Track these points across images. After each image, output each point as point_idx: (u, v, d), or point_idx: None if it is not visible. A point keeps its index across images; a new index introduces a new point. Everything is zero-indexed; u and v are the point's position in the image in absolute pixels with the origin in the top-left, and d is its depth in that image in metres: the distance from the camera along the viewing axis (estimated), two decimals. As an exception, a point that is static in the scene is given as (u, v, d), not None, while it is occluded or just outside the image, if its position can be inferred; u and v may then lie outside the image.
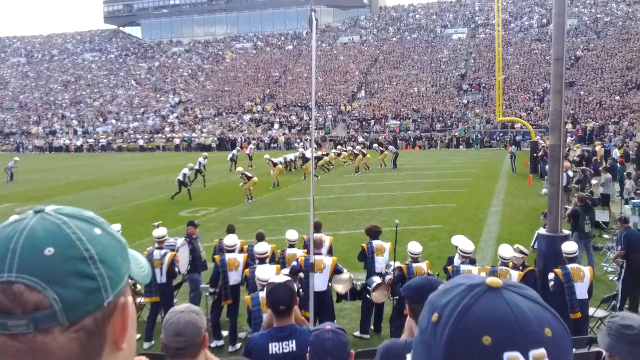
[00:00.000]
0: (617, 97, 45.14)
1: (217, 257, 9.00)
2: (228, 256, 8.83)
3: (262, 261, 8.39)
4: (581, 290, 7.67)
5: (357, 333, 9.05)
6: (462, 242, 8.40)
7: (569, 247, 8.07)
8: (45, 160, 42.74)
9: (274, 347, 3.68)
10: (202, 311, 2.50)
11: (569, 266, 7.80)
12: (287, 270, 8.41)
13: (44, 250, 0.84)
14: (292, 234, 9.65)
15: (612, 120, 40.67)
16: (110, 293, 0.88)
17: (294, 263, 8.61)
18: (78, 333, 0.84)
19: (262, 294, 7.07)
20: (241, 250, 9.42)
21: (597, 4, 62.30)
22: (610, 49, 53.40)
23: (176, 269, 9.09)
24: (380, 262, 8.94)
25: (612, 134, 35.74)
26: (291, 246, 9.44)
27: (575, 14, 59.41)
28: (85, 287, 0.85)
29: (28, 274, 0.82)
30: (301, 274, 8.23)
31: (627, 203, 16.25)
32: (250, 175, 20.57)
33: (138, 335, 8.85)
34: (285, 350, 3.67)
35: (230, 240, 9.01)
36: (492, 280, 0.86)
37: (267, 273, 7.30)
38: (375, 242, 9.14)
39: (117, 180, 27.95)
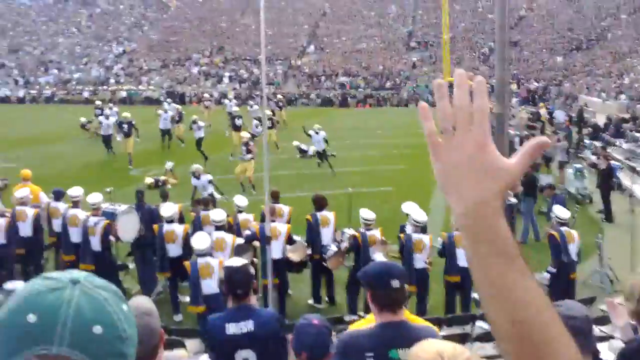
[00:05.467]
0: (560, 58, 46.29)
1: (155, 226, 8.80)
2: (166, 227, 8.60)
3: (218, 229, 8.34)
4: (573, 252, 8.31)
5: (310, 301, 9.19)
6: (414, 211, 8.44)
7: (562, 212, 8.56)
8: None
9: (230, 328, 3.72)
10: (152, 305, 2.43)
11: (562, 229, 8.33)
12: (241, 240, 8.46)
13: (93, 328, 0.87)
14: (241, 200, 9.60)
15: (554, 82, 41.74)
16: None
17: (248, 232, 8.65)
18: None
19: (201, 261, 7.09)
20: (181, 219, 9.23)
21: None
22: (552, 8, 54.32)
23: (112, 238, 8.85)
24: (325, 235, 8.89)
25: (554, 95, 36.77)
26: (239, 212, 9.40)
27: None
28: None
29: (80, 351, 0.85)
30: (256, 242, 8.27)
31: (561, 167, 16.98)
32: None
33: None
34: (242, 331, 3.71)
35: (168, 210, 8.74)
36: None
37: (201, 243, 7.26)
38: (320, 214, 9.02)
39: (63, 135, 27.01)
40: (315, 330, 2.99)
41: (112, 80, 53.61)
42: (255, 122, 21.89)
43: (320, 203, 9.17)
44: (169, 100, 32.74)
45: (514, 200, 10.50)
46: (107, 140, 21.47)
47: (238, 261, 4.11)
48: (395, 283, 2.91)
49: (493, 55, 43.50)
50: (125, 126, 20.46)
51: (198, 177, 12.83)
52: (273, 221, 8.23)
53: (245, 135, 17.14)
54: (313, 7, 64.30)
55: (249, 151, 15.75)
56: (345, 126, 30.94)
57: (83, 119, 26.42)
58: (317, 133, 19.07)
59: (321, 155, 19.22)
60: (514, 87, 38.55)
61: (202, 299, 7.20)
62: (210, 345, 3.87)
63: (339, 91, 47.56)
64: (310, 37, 58.40)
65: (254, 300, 3.93)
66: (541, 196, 12.94)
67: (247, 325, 3.71)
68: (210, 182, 12.76)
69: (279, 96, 34.49)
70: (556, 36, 49.92)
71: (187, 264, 7.55)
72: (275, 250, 8.06)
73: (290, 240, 8.58)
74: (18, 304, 0.88)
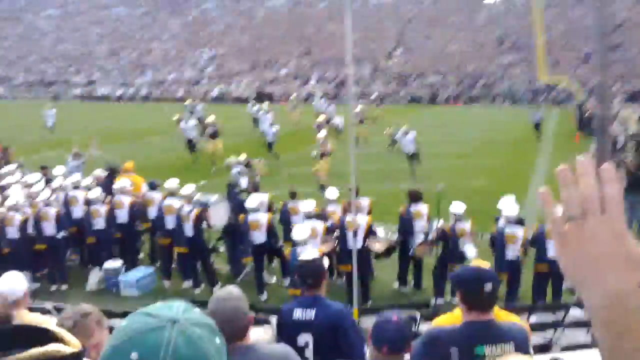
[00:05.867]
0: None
1: (241, 217, 9.39)
2: (251, 217, 9.08)
3: (309, 218, 8.70)
4: None
5: (396, 285, 9.27)
6: (506, 206, 8.48)
7: None
8: (87, 109, 43.55)
9: (297, 313, 4.02)
10: (240, 291, 2.83)
11: None
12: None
13: None
14: (332, 193, 9.85)
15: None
16: None
17: (329, 224, 8.86)
18: None
19: (299, 249, 7.36)
20: (269, 208, 9.86)
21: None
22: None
23: (204, 225, 9.48)
24: (418, 227, 9.01)
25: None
26: (329, 203, 9.76)
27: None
28: None
29: None
30: (337, 232, 8.63)
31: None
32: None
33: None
34: (305, 318, 3.98)
35: (253, 201, 9.19)
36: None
37: (301, 233, 7.53)
38: (414, 207, 9.17)
39: (159, 130, 28.19)
40: (395, 326, 3.02)
41: (204, 81, 55.57)
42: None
43: (414, 196, 9.33)
44: (253, 101, 32.06)
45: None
46: (190, 143, 20.56)
47: (311, 254, 4.41)
48: (488, 287, 2.96)
49: (592, 56, 41.51)
50: (210, 129, 20.03)
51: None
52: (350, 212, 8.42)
53: (320, 135, 17.02)
54: (398, 14, 63.76)
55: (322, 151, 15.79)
56: (433, 124, 30.37)
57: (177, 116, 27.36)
58: (405, 135, 17.67)
59: (412, 157, 17.59)
60: (617, 86, 36.37)
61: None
62: (278, 326, 4.22)
63: (428, 90, 46.80)
64: (397, 41, 57.91)
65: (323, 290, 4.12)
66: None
67: (310, 313, 3.99)
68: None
69: (376, 93, 34.66)
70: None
71: (287, 252, 8.31)
72: (353, 241, 8.16)
73: (371, 232, 8.64)
74: (122, 342, 0.99)
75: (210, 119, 21.13)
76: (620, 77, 40.23)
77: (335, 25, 61.59)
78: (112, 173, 12.05)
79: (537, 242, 8.13)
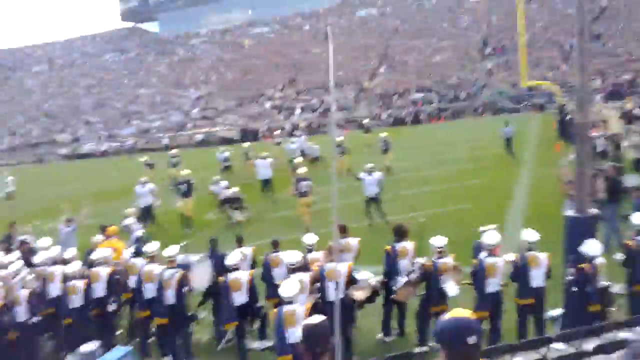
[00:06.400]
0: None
1: (221, 278, 8.66)
2: (231, 276, 8.43)
3: (294, 271, 8.03)
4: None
5: (379, 336, 8.87)
6: (488, 236, 8.20)
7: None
8: (72, 168, 43.32)
9: None
10: None
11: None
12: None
13: None
14: (309, 238, 9.24)
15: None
16: None
17: (311, 273, 8.45)
18: None
19: (286, 308, 6.98)
20: (253, 264, 9.25)
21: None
22: (636, -4, 51.31)
23: (186, 289, 8.81)
24: (402, 266, 8.59)
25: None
26: (309, 251, 9.05)
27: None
28: None
29: None
30: (317, 284, 8.08)
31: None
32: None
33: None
34: None
35: (232, 258, 8.65)
36: None
37: (290, 289, 7.08)
38: (399, 245, 8.71)
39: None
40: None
41: (189, 125, 55.62)
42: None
43: (400, 232, 8.86)
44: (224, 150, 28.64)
45: (596, 211, 9.71)
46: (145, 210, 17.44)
47: (317, 318, 4.05)
48: (472, 339, 2.84)
49: (574, 50, 41.58)
50: (184, 186, 17.64)
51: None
52: (332, 261, 7.97)
53: (299, 171, 16.15)
54: (384, 26, 64.26)
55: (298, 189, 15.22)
56: (416, 145, 30.31)
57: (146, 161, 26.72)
58: (370, 174, 15.20)
59: (370, 202, 15.10)
60: (597, 82, 36.49)
61: (288, 347, 7.02)
62: None
63: (412, 109, 46.91)
64: (381, 57, 58.24)
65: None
66: (627, 199, 11.94)
67: None
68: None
69: (365, 121, 34.57)
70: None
71: (272, 312, 7.46)
72: (334, 292, 7.75)
73: (352, 280, 8.29)
74: None
75: (185, 172, 18.71)
76: (600, 73, 40.34)
77: (320, 47, 62.22)
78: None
79: (520, 273, 7.83)
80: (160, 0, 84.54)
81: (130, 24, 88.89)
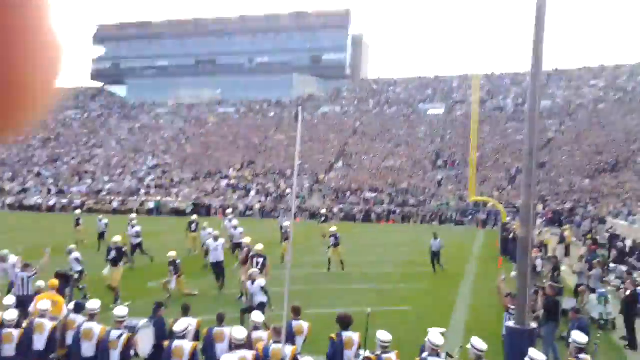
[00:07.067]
0: (587, 181, 46.36)
1: (166, 343, 8.56)
2: (175, 344, 8.34)
3: (237, 347, 7.98)
4: None
5: None
6: (432, 334, 8.42)
7: (580, 338, 8.13)
8: (16, 219, 41.99)
9: None
10: None
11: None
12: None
13: None
14: (257, 316, 9.28)
15: (581, 204, 41.62)
16: None
17: (255, 353, 8.27)
18: None
19: None
20: (197, 336, 9.02)
21: (570, 87, 64.68)
22: (581, 131, 55.19)
23: (132, 352, 8.79)
24: (346, 357, 8.61)
25: (580, 217, 36.45)
26: (256, 329, 8.99)
27: (550, 95, 61.44)
28: None
29: None
30: None
31: (593, 292, 16.47)
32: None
33: None
34: None
35: (181, 325, 8.54)
36: None
37: None
38: (345, 334, 8.72)
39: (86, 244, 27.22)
40: None
41: (142, 191, 55.16)
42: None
43: (345, 322, 8.87)
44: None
45: (534, 325, 10.23)
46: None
47: None
48: None
49: (520, 175, 44.14)
50: (114, 252, 16.40)
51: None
52: (278, 342, 8.07)
53: (257, 247, 16.17)
54: (345, 124, 66.66)
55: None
56: (367, 242, 31.00)
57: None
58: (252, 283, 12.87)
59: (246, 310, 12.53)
60: (539, 207, 38.47)
61: None
62: None
63: (363, 207, 48.09)
64: (339, 154, 60.02)
65: None
66: (563, 321, 12.56)
67: None
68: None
69: (323, 211, 35.03)
70: (584, 158, 50.28)
71: None
72: None
73: None
74: None
75: (116, 239, 17.18)
76: (542, 199, 42.55)
77: (282, 135, 63.60)
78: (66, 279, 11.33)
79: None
80: (132, 67, 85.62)
81: (98, 84, 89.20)
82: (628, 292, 13.97)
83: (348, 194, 51.20)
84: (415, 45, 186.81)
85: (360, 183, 52.65)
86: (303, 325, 9.36)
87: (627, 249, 23.36)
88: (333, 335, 8.74)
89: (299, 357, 8.37)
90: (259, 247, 16.22)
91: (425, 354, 8.34)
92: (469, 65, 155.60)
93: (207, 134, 69.25)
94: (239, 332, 8.19)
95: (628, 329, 13.30)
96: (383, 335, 8.35)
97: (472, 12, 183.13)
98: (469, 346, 8.11)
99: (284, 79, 77.71)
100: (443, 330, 8.75)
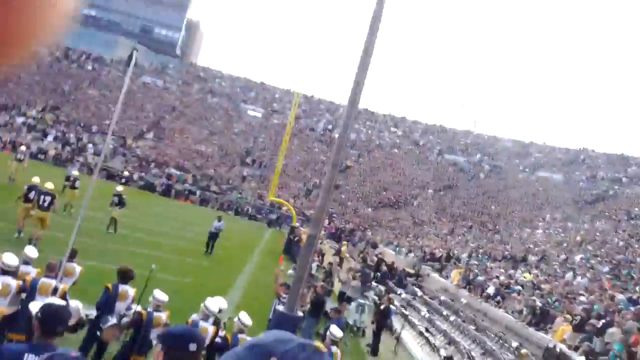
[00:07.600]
0: (370, 210, 51.41)
1: None
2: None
3: (3, 273, 7.66)
4: None
5: None
6: (209, 302, 8.54)
7: (337, 331, 9.15)
8: None
9: (29, 358, 3.72)
10: None
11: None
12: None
13: None
14: (32, 252, 8.93)
15: (361, 227, 45.97)
16: None
17: (20, 282, 7.96)
18: None
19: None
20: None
21: (374, 127, 71.18)
22: (374, 167, 60.72)
23: None
24: (118, 308, 8.61)
25: (357, 238, 40.42)
26: (25, 263, 8.61)
27: (356, 130, 66.71)
28: None
29: None
30: (23, 294, 7.77)
31: (349, 302, 18.49)
32: None
33: None
34: None
35: (9, 258, 7.89)
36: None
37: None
38: (122, 287, 8.68)
39: None
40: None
41: None
42: None
43: (126, 275, 8.83)
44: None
45: (300, 314, 11.35)
46: None
47: (58, 301, 4.26)
48: (193, 347, 3.06)
49: (315, 190, 47.54)
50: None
51: None
52: (50, 277, 8.00)
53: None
54: (165, 100, 65.21)
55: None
56: (160, 213, 31.09)
57: None
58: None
59: None
60: (325, 222, 41.65)
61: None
62: None
63: (164, 181, 47.63)
64: (152, 125, 58.57)
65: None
66: (323, 320, 14.10)
67: None
68: None
69: (126, 173, 33.72)
70: (372, 191, 55.52)
71: None
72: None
73: (65, 299, 8.09)
74: None
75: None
76: (329, 215, 45.97)
77: (95, 91, 59.51)
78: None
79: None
80: None
81: None
82: (383, 307, 16.19)
83: (153, 165, 50.22)
84: (249, 48, 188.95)
85: (167, 158, 51.99)
86: (76, 267, 9.37)
87: (389, 274, 26.58)
88: (109, 285, 8.67)
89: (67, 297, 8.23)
90: (49, 185, 16.36)
91: (194, 315, 8.59)
92: (293, 81, 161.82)
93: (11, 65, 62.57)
94: (11, 259, 7.96)
95: (376, 337, 15.40)
96: (160, 295, 8.49)
97: (309, 35, 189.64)
98: (236, 319, 8.46)
99: (110, 38, 75.26)
100: (220, 299, 9.35)
